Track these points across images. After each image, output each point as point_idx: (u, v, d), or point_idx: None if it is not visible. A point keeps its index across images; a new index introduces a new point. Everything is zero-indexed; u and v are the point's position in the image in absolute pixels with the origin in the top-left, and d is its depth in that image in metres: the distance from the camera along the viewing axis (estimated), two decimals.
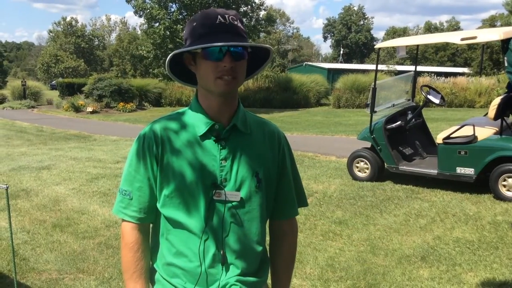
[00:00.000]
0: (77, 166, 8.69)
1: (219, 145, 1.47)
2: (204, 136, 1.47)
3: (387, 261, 4.29)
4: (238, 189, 1.48)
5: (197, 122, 1.48)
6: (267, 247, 1.66)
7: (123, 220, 1.53)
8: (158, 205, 1.50)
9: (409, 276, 3.97)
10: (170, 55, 1.45)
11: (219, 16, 1.40)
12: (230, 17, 1.41)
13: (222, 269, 1.48)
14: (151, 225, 1.58)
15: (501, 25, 48.71)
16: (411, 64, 41.07)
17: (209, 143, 1.47)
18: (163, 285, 1.52)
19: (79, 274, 4.04)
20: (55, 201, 6.28)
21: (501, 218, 5.42)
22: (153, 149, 1.46)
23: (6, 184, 3.50)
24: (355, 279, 3.93)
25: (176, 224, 1.48)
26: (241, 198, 1.48)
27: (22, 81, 30.01)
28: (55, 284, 3.86)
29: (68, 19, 67.57)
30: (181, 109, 1.57)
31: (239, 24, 1.43)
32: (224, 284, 1.48)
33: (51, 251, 4.55)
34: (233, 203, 1.47)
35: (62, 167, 8.56)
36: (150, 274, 1.56)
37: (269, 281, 1.69)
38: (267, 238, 1.67)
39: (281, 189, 1.61)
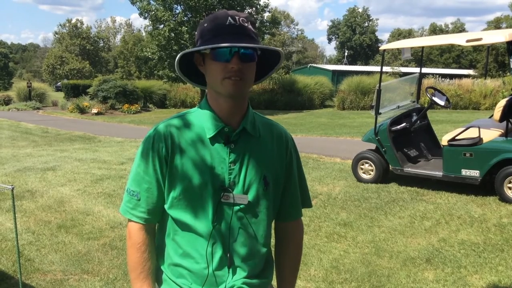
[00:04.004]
0: (82, 167, 8.72)
1: (228, 148, 1.47)
2: (214, 139, 1.46)
3: (392, 263, 4.28)
4: (246, 192, 1.48)
5: (207, 124, 1.48)
6: (272, 248, 1.67)
7: (130, 220, 1.53)
8: (166, 207, 1.50)
9: (414, 278, 3.95)
10: (179, 55, 1.45)
11: (229, 18, 1.40)
12: (241, 18, 1.41)
13: (229, 271, 1.48)
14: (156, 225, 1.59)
15: (507, 27, 48.59)
16: (416, 66, 40.99)
17: (218, 146, 1.47)
18: (169, 285, 1.53)
19: (83, 275, 4.04)
20: (60, 202, 6.30)
21: (506, 220, 5.39)
22: (162, 150, 1.46)
23: (12, 185, 3.51)
24: (359, 281, 3.92)
25: (183, 226, 1.48)
26: (249, 201, 1.48)
27: (27, 83, 30.11)
28: (60, 285, 3.87)
29: (73, 21, 67.98)
30: (190, 110, 1.56)
31: (250, 26, 1.42)
32: (230, 286, 1.48)
33: (56, 252, 4.56)
34: (241, 206, 1.48)
35: (67, 168, 8.59)
36: (156, 274, 1.56)
37: (274, 282, 1.69)
38: (272, 239, 1.67)
39: (287, 191, 1.61)
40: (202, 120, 1.49)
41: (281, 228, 1.68)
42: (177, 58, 1.46)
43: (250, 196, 1.48)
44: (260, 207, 1.51)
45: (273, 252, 1.69)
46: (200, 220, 1.45)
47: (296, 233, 1.69)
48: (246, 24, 1.41)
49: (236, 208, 1.47)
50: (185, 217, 1.46)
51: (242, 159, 1.48)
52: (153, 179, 1.48)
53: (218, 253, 1.46)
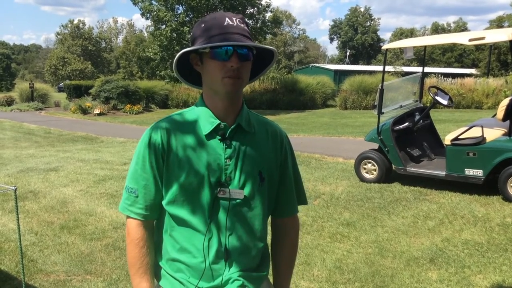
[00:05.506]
0: (84, 167, 8.72)
1: (224, 144, 1.51)
2: (210, 135, 1.51)
3: (395, 263, 4.26)
4: (242, 187, 1.52)
5: (203, 121, 1.52)
6: (268, 244, 1.70)
7: (128, 217, 1.57)
8: (164, 203, 1.53)
9: (417, 278, 3.94)
10: (179, 53, 1.49)
11: (227, 18, 1.46)
12: (237, 19, 1.48)
13: (226, 264, 1.52)
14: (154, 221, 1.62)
15: (509, 26, 48.46)
16: (418, 65, 40.94)
17: (214, 142, 1.51)
18: (168, 279, 1.56)
19: (86, 276, 4.04)
20: (62, 202, 6.30)
21: (510, 220, 5.38)
22: (159, 148, 1.50)
23: (14, 186, 3.51)
24: (363, 281, 3.91)
25: (180, 221, 1.52)
26: (245, 196, 1.53)
27: (30, 84, 30.17)
28: (62, 285, 3.87)
29: (75, 21, 68.10)
30: (186, 109, 1.61)
31: (245, 27, 1.49)
32: (227, 279, 1.52)
33: (58, 252, 4.56)
34: (237, 201, 1.52)
35: (69, 168, 8.60)
36: (155, 270, 1.60)
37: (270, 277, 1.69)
38: (269, 236, 1.69)
39: (282, 188, 1.66)
40: (198, 118, 1.53)
41: (277, 224, 1.73)
42: (176, 56, 1.50)
43: (246, 191, 1.53)
44: (256, 202, 1.56)
45: (269, 248, 1.73)
46: (197, 215, 1.49)
47: (292, 229, 1.73)
48: (242, 25, 1.48)
49: (233, 203, 1.51)
50: (182, 212, 1.50)
51: (238, 155, 1.52)
52: (150, 176, 1.52)
53: (215, 247, 1.50)
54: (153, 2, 25.97)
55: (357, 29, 77.56)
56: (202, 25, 1.49)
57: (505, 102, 6.26)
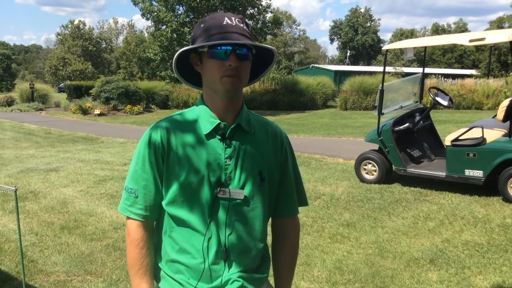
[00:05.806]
0: (84, 168, 8.72)
1: (224, 144, 1.50)
2: (209, 135, 1.50)
3: (396, 264, 4.26)
4: (242, 187, 1.52)
5: (203, 121, 1.52)
6: (269, 245, 1.69)
7: (128, 218, 1.56)
8: (163, 203, 1.53)
9: (417, 279, 3.94)
10: (178, 52, 1.49)
11: (226, 18, 1.47)
12: (237, 19, 1.48)
13: (225, 265, 1.51)
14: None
15: (509, 27, 48.48)
16: (418, 66, 40.94)
17: (214, 142, 1.50)
18: (167, 281, 1.56)
19: (87, 276, 4.05)
20: (63, 203, 6.30)
21: (510, 220, 5.38)
22: (159, 148, 1.50)
23: (15, 186, 3.51)
24: (363, 282, 3.91)
25: (180, 222, 1.51)
26: (245, 196, 1.52)
27: (30, 84, 30.16)
28: (63, 286, 3.87)
29: (76, 22, 68.17)
30: (187, 109, 1.61)
31: (245, 27, 1.49)
32: (226, 280, 1.51)
33: (59, 253, 4.56)
34: (237, 201, 1.51)
35: (70, 169, 8.60)
36: (154, 272, 1.59)
37: (271, 279, 1.69)
38: (269, 237, 1.69)
39: (283, 188, 1.65)
40: (198, 117, 1.53)
41: (277, 225, 1.72)
42: (175, 56, 1.50)
43: (246, 191, 1.52)
44: (256, 202, 1.55)
45: (270, 249, 1.71)
46: (197, 216, 1.49)
47: (292, 230, 1.72)
48: (242, 25, 1.48)
49: (233, 203, 1.51)
50: (182, 213, 1.49)
51: (238, 155, 1.51)
52: (150, 176, 1.51)
53: (214, 248, 1.49)
54: (154, 3, 26.00)
55: (357, 29, 77.57)
56: (202, 25, 1.49)
57: (505, 103, 6.26)
